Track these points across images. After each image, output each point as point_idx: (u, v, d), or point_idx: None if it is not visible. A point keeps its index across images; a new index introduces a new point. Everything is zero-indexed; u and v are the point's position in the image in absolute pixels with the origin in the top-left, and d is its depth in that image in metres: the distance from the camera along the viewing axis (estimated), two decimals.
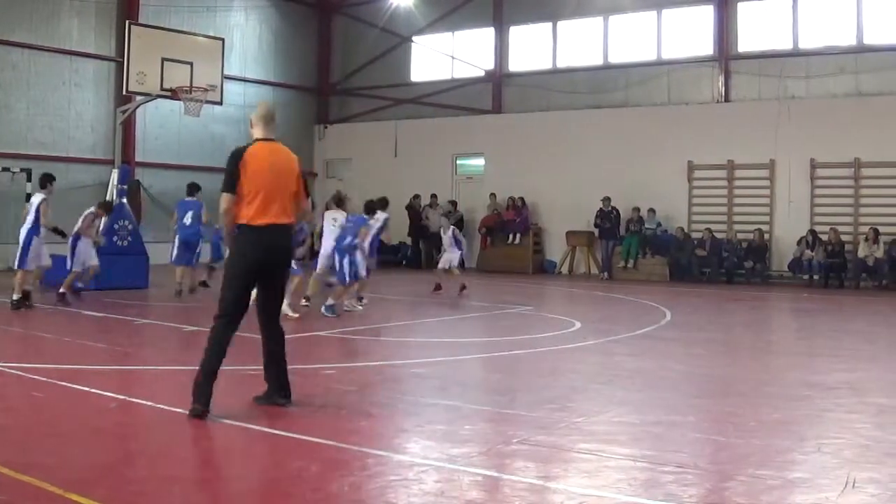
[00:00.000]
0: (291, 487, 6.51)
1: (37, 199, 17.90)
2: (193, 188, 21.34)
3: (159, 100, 24.68)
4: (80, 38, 29.78)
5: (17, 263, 17.62)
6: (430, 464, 7.11)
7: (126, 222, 22.21)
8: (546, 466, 7.20)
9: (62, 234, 18.37)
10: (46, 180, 18.05)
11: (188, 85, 23.18)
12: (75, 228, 19.05)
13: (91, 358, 12.39)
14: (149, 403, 9.20)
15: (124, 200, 22.34)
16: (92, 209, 19.46)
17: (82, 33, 29.86)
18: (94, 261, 19.31)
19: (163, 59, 22.79)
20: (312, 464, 7.06)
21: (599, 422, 8.82)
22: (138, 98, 24.12)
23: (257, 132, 8.97)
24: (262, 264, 8.68)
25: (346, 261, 17.15)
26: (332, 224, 18.07)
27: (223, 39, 26.08)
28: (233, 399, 9.14)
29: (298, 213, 9.07)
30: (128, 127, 28.97)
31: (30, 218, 17.75)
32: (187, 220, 20.57)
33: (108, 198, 22.86)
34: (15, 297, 17.30)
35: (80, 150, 29.83)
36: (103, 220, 20.13)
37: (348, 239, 17.28)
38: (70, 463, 6.97)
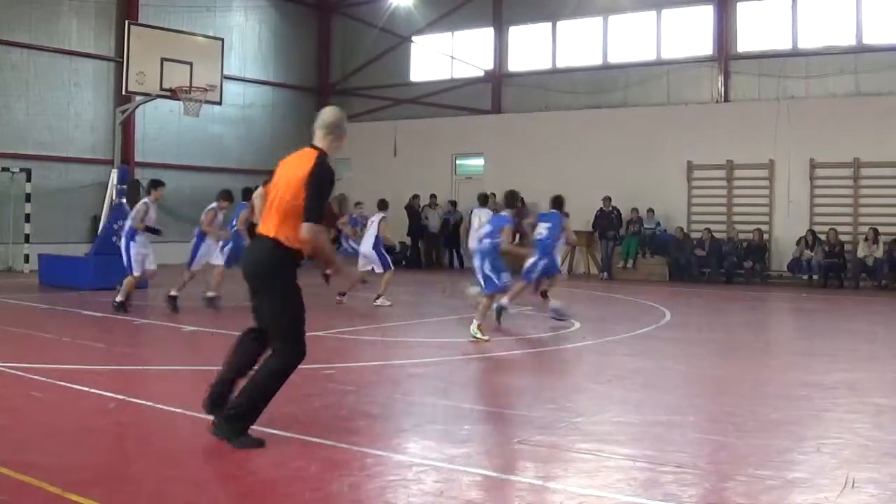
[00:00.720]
0: (290, 487, 6.51)
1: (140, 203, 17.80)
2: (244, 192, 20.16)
3: (159, 100, 24.70)
4: (79, 38, 29.77)
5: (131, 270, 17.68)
6: (430, 464, 7.11)
7: (126, 222, 22.17)
8: (545, 466, 7.21)
9: (155, 231, 17.72)
10: (151, 186, 17.91)
11: (188, 85, 23.20)
12: (198, 227, 18.55)
13: (90, 358, 12.40)
14: (148, 403, 9.20)
15: (123, 200, 22.31)
16: (214, 204, 18.61)
17: (82, 33, 29.84)
18: (217, 261, 18.61)
19: (162, 60, 22.81)
20: (311, 464, 7.06)
21: (599, 422, 8.82)
22: (138, 98, 24.13)
23: None
24: (245, 275, 7.90)
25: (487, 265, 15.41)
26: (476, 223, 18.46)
27: (222, 39, 26.13)
28: None
29: (305, 244, 7.58)
30: (127, 127, 29.01)
31: (128, 224, 17.89)
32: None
33: (107, 198, 22.81)
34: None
35: (79, 151, 29.82)
36: (223, 212, 18.98)
37: (488, 240, 15.55)
38: (69, 463, 6.98)
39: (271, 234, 7.63)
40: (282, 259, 7.63)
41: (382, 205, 20.61)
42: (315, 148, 7.97)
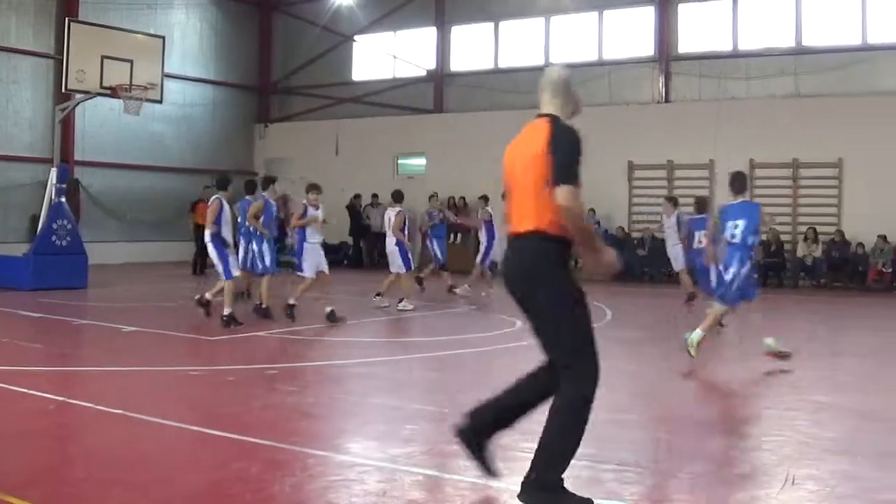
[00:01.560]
0: (232, 489, 6.46)
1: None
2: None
3: (98, 98, 24.45)
4: (18, 34, 29.46)
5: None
6: (372, 464, 7.10)
7: (65, 222, 21.98)
8: None
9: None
10: (311, 189, 17.17)
11: (128, 83, 22.98)
12: (291, 226, 17.41)
13: (29, 359, 12.26)
14: (87, 405, 9.11)
15: (63, 200, 22.09)
16: (305, 200, 17.12)
17: (21, 30, 29.54)
18: (324, 266, 17.53)
19: (102, 57, 22.57)
20: (253, 465, 7.02)
21: (541, 420, 8.83)
22: (77, 96, 23.90)
23: None
24: (506, 288, 6.49)
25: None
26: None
27: (163, 37, 25.87)
28: (172, 400, 9.07)
29: (562, 213, 6.07)
30: (66, 125, 28.74)
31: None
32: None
33: (47, 197, 22.51)
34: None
35: (17, 149, 29.49)
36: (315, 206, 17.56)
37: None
38: (7, 465, 6.89)
39: (530, 228, 6.23)
40: (550, 253, 6.24)
41: (397, 197, 20.00)
42: (543, 116, 6.57)
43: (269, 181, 18.15)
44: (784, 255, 26.65)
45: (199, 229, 26.34)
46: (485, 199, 23.22)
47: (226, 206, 16.25)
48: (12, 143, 29.41)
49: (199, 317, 16.16)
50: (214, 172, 33.34)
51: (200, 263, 26.70)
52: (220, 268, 15.92)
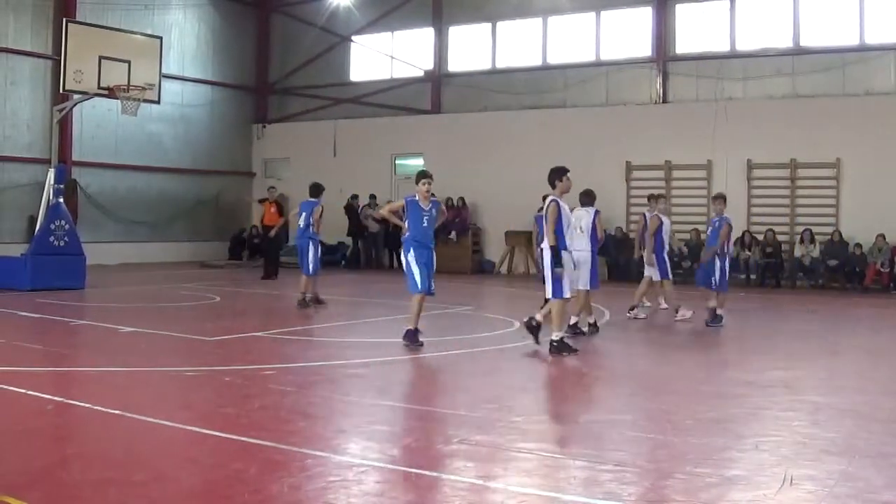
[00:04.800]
0: (230, 489, 6.46)
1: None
2: (315, 189, 19.58)
3: (96, 98, 24.45)
4: (16, 35, 29.42)
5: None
6: (370, 464, 7.10)
7: (63, 222, 21.96)
8: (486, 466, 7.20)
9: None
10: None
11: (126, 84, 22.96)
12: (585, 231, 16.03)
13: (27, 359, 12.25)
14: (85, 405, 9.11)
15: (61, 200, 22.07)
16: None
17: (18, 31, 29.51)
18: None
19: (100, 58, 22.56)
20: (251, 465, 7.01)
21: (538, 421, 8.85)
22: (75, 97, 23.88)
23: None
24: None
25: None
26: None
27: (161, 38, 25.85)
28: (169, 400, 9.06)
29: None
30: (64, 126, 28.70)
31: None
32: (301, 222, 19.19)
33: (44, 197, 22.50)
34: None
35: (15, 149, 29.47)
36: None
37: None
38: (5, 466, 6.88)
39: None
40: None
41: (587, 198, 17.18)
42: None
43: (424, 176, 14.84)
44: (782, 256, 26.65)
45: (268, 230, 26.17)
46: (656, 197, 19.80)
47: (564, 209, 14.17)
48: (10, 143, 29.38)
49: (202, 319, 16.15)
50: (212, 173, 33.56)
51: (273, 267, 26.41)
52: (548, 287, 13.68)
